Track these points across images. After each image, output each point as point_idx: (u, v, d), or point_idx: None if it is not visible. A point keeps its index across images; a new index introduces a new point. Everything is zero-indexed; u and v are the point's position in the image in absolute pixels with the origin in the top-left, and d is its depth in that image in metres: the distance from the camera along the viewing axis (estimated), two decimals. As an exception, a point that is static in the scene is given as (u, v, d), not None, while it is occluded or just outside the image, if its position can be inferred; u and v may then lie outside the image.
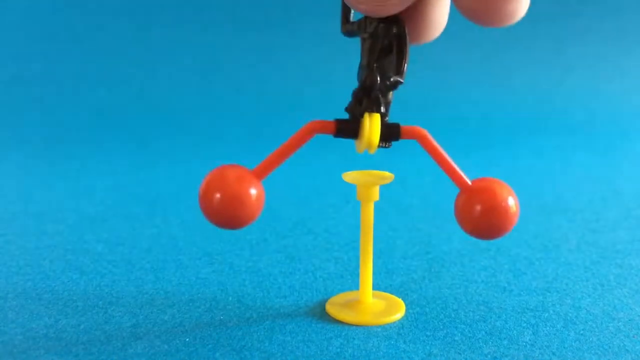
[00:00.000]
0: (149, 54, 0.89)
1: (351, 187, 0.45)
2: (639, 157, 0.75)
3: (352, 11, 0.32)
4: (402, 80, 0.30)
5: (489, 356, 0.30)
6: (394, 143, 0.31)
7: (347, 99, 0.32)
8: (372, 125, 0.29)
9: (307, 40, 0.90)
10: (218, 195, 0.28)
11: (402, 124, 0.31)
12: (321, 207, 0.54)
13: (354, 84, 0.32)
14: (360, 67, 0.30)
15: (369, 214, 0.34)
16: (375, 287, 0.37)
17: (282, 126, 0.84)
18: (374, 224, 0.35)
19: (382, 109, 0.30)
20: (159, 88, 0.87)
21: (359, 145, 0.31)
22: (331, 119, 0.31)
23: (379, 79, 0.30)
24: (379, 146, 0.30)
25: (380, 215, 0.46)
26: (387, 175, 0.34)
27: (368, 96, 0.30)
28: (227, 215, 0.28)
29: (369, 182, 0.33)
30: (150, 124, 0.82)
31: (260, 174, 0.30)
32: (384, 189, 0.35)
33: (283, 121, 0.84)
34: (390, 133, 0.30)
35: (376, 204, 0.35)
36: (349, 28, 0.32)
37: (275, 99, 0.87)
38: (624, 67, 0.97)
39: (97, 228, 0.48)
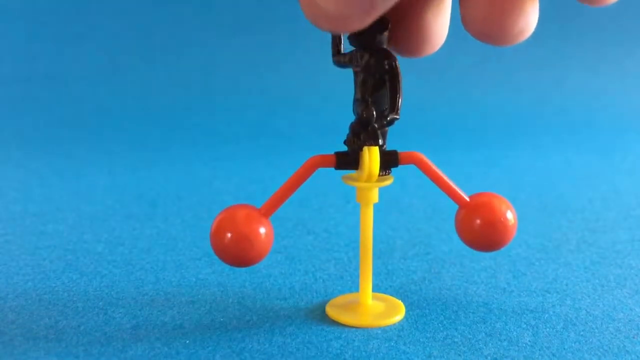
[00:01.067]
0: (149, 56, 0.89)
1: (351, 188, 0.45)
2: (638, 155, 0.75)
3: (343, 42, 0.32)
4: (398, 117, 0.31)
5: (489, 357, 0.30)
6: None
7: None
8: (371, 158, 0.31)
9: (305, 40, 0.90)
10: (229, 235, 0.30)
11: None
12: (321, 208, 0.54)
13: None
14: (355, 100, 0.32)
15: (368, 217, 0.34)
16: (375, 288, 0.37)
17: (281, 126, 0.84)
18: (374, 224, 0.35)
19: (380, 141, 0.31)
20: (159, 89, 0.87)
21: (360, 176, 0.32)
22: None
23: (374, 113, 0.30)
24: (379, 175, 0.31)
25: (380, 215, 0.46)
26: (387, 177, 0.34)
27: (365, 130, 0.31)
28: (237, 254, 0.30)
29: (368, 184, 0.33)
30: (150, 124, 0.82)
31: (267, 212, 0.31)
32: (384, 189, 0.35)
33: (282, 121, 0.84)
34: (389, 161, 0.32)
35: (376, 204, 0.35)
36: (340, 59, 0.33)
37: (274, 98, 0.87)
38: (624, 67, 0.97)
39: (97, 228, 0.48)
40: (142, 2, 0.91)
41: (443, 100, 0.89)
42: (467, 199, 0.33)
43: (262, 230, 0.30)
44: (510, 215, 0.32)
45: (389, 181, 0.33)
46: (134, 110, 0.84)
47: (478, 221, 0.32)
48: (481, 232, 0.32)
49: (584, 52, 0.98)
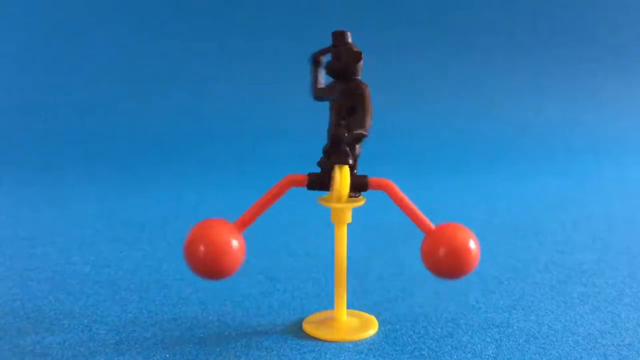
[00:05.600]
0: (138, 83, 0.92)
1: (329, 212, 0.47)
2: (612, 183, 0.78)
3: (321, 78, 0.35)
4: (365, 134, 0.33)
5: (453, 369, 0.31)
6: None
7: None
8: (342, 176, 0.33)
9: (292, 71, 0.93)
10: (202, 248, 0.30)
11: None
12: (302, 232, 0.56)
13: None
14: (330, 126, 0.34)
15: (342, 236, 0.36)
16: (351, 306, 0.39)
17: (266, 154, 0.86)
18: (352, 245, 0.37)
19: (350, 161, 0.33)
20: (148, 116, 0.89)
21: (331, 196, 0.34)
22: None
23: (345, 133, 0.32)
24: (349, 196, 0.33)
25: (357, 237, 0.48)
26: (359, 198, 0.36)
27: (336, 150, 0.33)
28: (210, 266, 0.31)
29: (341, 204, 0.35)
30: (138, 151, 0.84)
31: (241, 226, 0.33)
32: (362, 212, 0.38)
33: (269, 147, 0.87)
34: (358, 185, 0.34)
35: (354, 226, 0.37)
36: (319, 93, 0.35)
37: (261, 125, 0.89)
38: (599, 97, 1.01)
39: (85, 251, 0.50)
40: (132, 33, 0.94)
41: (424, 127, 0.92)
42: (433, 227, 0.33)
43: (235, 242, 0.31)
44: (472, 245, 0.32)
45: (360, 202, 0.35)
46: (123, 138, 0.86)
47: (442, 249, 0.32)
48: (444, 259, 0.32)
49: (562, 83, 1.02)
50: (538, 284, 0.43)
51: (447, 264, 0.32)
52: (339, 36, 0.34)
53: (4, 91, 0.89)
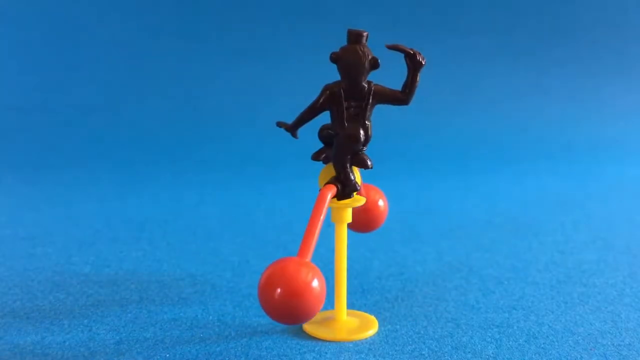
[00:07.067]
0: (139, 85, 0.91)
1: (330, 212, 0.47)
2: (612, 182, 0.78)
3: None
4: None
5: (453, 369, 0.31)
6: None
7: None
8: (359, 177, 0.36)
9: (293, 72, 0.93)
10: (278, 291, 0.28)
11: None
12: (302, 231, 0.56)
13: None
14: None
15: (342, 235, 0.36)
16: (351, 306, 0.39)
17: (268, 152, 0.86)
18: (352, 246, 0.37)
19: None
20: (148, 116, 0.89)
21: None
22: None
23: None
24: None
25: (357, 237, 0.48)
26: (359, 198, 0.36)
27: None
28: (290, 311, 0.29)
29: (341, 204, 0.35)
30: (138, 151, 0.84)
31: (306, 254, 0.31)
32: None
33: (269, 148, 0.87)
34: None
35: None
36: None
37: (261, 126, 0.89)
38: (600, 97, 1.01)
39: (85, 251, 0.50)
40: (133, 33, 0.94)
41: (424, 127, 0.92)
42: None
43: (315, 283, 0.29)
44: (381, 203, 0.41)
45: (361, 202, 0.35)
46: (123, 138, 0.86)
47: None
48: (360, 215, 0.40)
49: (562, 83, 1.02)
50: (538, 284, 0.43)
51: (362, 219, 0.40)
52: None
53: (3, 91, 0.89)
